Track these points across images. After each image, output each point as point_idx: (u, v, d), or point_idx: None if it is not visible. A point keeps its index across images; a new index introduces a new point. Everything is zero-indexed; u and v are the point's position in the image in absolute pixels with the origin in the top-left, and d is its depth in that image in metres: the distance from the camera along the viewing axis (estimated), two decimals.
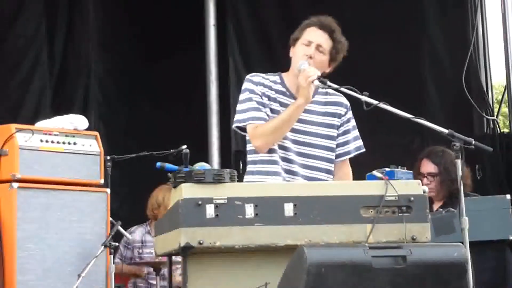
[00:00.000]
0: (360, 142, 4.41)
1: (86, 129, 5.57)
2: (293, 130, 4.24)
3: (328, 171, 4.28)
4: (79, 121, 5.55)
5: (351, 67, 6.77)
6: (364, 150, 4.41)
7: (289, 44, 4.37)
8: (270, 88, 4.29)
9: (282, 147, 4.23)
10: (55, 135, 5.39)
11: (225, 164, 7.92)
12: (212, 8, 8.23)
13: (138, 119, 8.48)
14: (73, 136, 5.46)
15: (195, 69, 8.32)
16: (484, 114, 7.28)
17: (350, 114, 4.39)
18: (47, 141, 5.33)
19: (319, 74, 4.14)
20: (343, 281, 3.17)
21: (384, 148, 7.03)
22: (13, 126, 5.24)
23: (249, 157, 4.33)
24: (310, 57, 4.24)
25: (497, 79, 9.27)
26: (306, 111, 4.26)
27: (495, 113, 7.41)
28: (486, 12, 7.47)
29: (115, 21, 8.60)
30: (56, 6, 8.17)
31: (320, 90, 4.30)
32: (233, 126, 4.33)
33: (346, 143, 4.37)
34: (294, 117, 4.19)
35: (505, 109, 7.97)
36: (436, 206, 5.57)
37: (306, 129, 4.27)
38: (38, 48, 7.92)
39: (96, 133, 5.61)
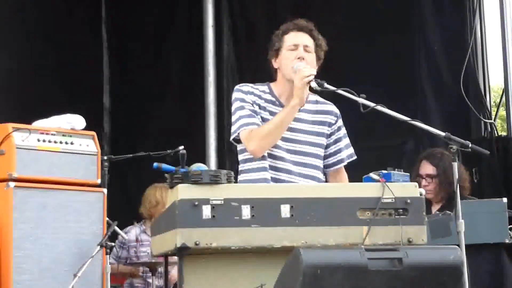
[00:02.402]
0: (351, 150, 4.41)
1: (83, 129, 5.57)
2: (285, 139, 4.23)
3: (319, 180, 4.28)
4: (76, 121, 5.55)
5: (347, 69, 6.80)
6: (355, 157, 4.41)
7: (269, 58, 4.36)
8: (259, 97, 4.28)
9: (272, 156, 4.22)
10: (52, 134, 5.39)
11: (222, 165, 7.93)
12: (210, 9, 8.24)
13: (136, 119, 8.48)
14: (70, 136, 5.46)
15: (193, 70, 8.33)
16: (481, 117, 7.28)
17: (340, 122, 4.39)
18: (44, 141, 5.33)
19: (315, 74, 4.14)
20: (339, 283, 3.16)
21: (377, 149, 7.04)
22: (10, 125, 5.24)
23: (241, 167, 4.32)
24: (303, 58, 4.23)
25: (495, 82, 9.26)
26: (296, 119, 4.25)
27: (493, 116, 7.41)
28: (484, 15, 7.47)
29: (112, 21, 8.61)
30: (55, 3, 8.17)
31: (310, 98, 4.31)
32: (230, 139, 4.32)
33: (338, 151, 4.37)
34: (288, 119, 4.18)
35: (503, 112, 7.97)
36: (434, 208, 5.57)
37: (297, 137, 4.26)
38: (37, 45, 7.92)
39: (93, 133, 5.61)
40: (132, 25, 8.58)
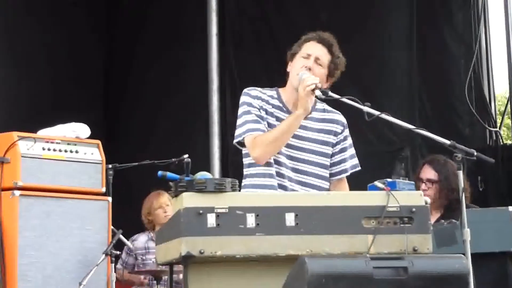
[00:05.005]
0: (356, 161, 4.38)
1: (88, 138, 5.57)
2: (288, 146, 4.23)
3: (319, 188, 4.26)
4: (81, 130, 5.55)
5: (354, 77, 6.80)
6: (359, 168, 4.39)
7: (286, 60, 4.37)
8: (267, 102, 4.28)
9: (276, 162, 4.22)
10: (57, 143, 5.39)
11: (225, 174, 7.93)
12: (214, 18, 8.25)
13: (140, 128, 8.49)
14: (75, 145, 5.46)
15: (197, 78, 8.34)
16: (486, 126, 7.28)
17: (347, 132, 4.37)
18: (49, 149, 5.34)
19: (319, 84, 4.12)
20: None
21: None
22: (15, 134, 5.25)
23: (246, 171, 4.31)
24: (309, 69, 4.23)
25: (500, 90, 9.26)
26: (302, 127, 4.25)
27: (498, 125, 7.40)
28: (489, 23, 7.48)
29: (116, 30, 8.63)
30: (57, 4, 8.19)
31: (317, 107, 4.30)
32: (234, 142, 4.31)
33: (343, 161, 4.35)
34: (293, 128, 4.18)
35: (507, 121, 7.97)
36: (433, 214, 5.52)
37: (301, 145, 4.26)
38: (42, 54, 7.94)
39: (98, 141, 5.61)
40: (136, 34, 8.60)
